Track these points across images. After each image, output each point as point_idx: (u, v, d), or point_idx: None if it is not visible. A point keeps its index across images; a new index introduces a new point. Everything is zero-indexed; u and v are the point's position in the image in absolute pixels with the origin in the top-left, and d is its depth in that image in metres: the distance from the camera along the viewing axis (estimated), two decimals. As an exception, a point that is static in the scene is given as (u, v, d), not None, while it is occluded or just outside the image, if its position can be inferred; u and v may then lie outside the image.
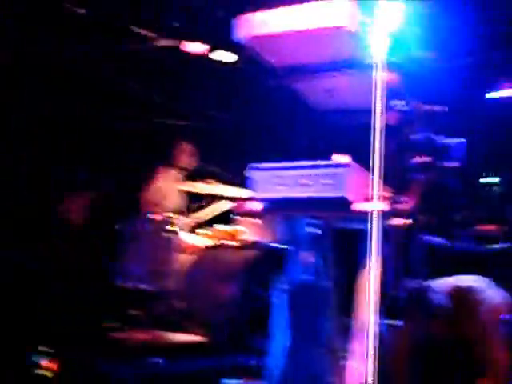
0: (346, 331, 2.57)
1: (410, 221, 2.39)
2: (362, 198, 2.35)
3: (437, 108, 3.09)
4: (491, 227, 3.83)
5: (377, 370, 2.90)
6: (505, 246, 3.75)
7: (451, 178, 4.07)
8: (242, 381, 2.96)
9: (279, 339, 2.54)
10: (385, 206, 2.35)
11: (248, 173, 2.47)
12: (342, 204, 2.30)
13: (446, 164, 3.93)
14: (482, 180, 4.57)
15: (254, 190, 2.43)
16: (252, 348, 4.10)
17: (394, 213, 2.41)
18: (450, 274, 3.51)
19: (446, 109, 3.00)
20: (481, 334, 2.77)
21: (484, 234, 3.86)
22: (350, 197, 2.27)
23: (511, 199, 4.59)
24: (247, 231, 5.08)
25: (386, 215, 2.36)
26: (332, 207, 2.35)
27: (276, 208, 2.42)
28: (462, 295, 2.97)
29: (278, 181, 2.36)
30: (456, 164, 4.05)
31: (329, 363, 2.55)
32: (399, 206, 2.42)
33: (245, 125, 6.15)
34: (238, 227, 5.16)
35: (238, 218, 5.04)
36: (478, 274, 3.48)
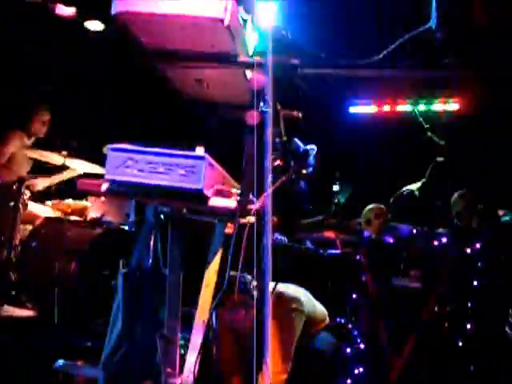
0: (188, 321, 2.60)
1: (254, 219, 2.45)
2: (213, 192, 2.37)
3: (295, 113, 3.20)
4: (331, 234, 4.08)
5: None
6: (339, 252, 4.07)
7: (303, 182, 4.25)
8: (76, 362, 2.89)
9: (118, 323, 2.51)
10: (235, 203, 2.40)
11: (106, 152, 2.42)
12: (193, 196, 2.30)
13: (302, 169, 4.10)
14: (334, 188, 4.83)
15: (106, 170, 2.37)
16: (93, 330, 4.04)
17: (243, 211, 2.46)
18: (288, 271, 3.72)
19: (301, 115, 3.11)
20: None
21: (324, 239, 4.11)
22: (201, 190, 2.29)
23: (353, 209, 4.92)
24: (96, 209, 4.96)
25: (235, 212, 2.41)
26: (182, 198, 2.35)
27: (122, 191, 2.37)
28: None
29: (130, 164, 2.32)
30: (309, 170, 4.25)
31: (164, 351, 2.56)
32: (249, 205, 2.48)
33: (110, 103, 6.02)
34: (86, 203, 5.03)
35: (89, 195, 4.91)
36: (313, 273, 3.82)
